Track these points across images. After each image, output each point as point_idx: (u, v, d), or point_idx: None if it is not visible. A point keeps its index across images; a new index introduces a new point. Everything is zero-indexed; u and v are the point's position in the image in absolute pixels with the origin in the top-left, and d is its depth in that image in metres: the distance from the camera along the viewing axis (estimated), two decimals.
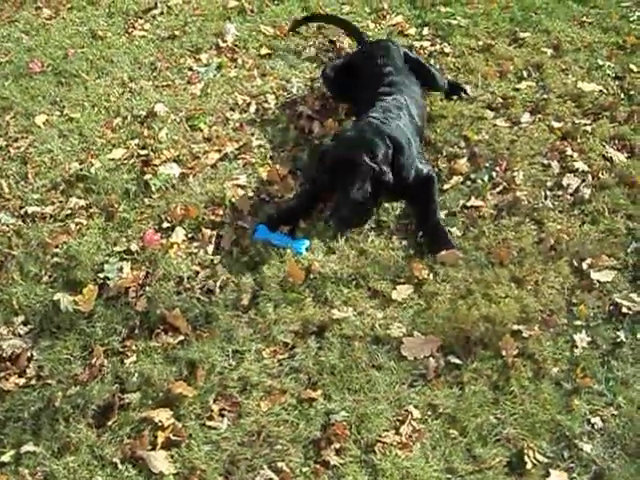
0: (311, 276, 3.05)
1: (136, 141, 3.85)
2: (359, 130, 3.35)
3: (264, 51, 4.52)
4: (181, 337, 2.85)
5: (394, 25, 4.66)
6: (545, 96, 3.95)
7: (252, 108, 4.06)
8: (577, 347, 2.73)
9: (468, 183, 3.46)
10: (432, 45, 4.43)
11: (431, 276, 3.03)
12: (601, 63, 4.18)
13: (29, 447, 2.56)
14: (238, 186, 3.51)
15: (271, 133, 3.86)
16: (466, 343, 2.77)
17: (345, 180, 3.15)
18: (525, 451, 2.43)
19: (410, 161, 3.33)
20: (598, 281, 2.95)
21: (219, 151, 3.75)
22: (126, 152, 3.77)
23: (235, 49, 4.57)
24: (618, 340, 2.75)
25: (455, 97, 3.98)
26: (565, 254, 3.07)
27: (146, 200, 3.49)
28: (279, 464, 2.44)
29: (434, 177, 3.38)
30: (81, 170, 3.69)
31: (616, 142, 3.64)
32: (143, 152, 3.75)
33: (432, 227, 3.19)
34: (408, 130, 3.44)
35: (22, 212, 3.49)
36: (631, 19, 4.55)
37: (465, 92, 4.00)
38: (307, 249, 3.17)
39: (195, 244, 3.23)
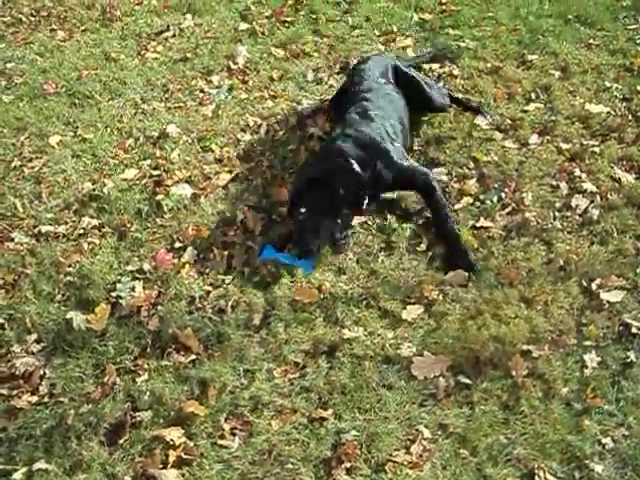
0: (322, 296, 3.07)
1: (148, 162, 3.90)
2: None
3: (275, 73, 4.57)
4: (193, 356, 2.87)
5: (404, 48, 4.71)
6: (553, 118, 3.99)
7: (263, 129, 4.10)
8: (587, 367, 2.73)
9: (477, 204, 3.49)
10: (441, 67, 4.47)
11: (441, 296, 3.05)
12: (608, 85, 4.22)
13: (41, 465, 2.57)
14: (249, 207, 3.54)
15: (282, 154, 3.89)
16: (476, 363, 2.78)
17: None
18: (536, 471, 2.43)
19: (385, 159, 3.41)
20: (607, 301, 2.96)
21: (230, 172, 3.80)
22: (138, 173, 3.82)
23: (246, 71, 4.63)
24: (628, 360, 2.75)
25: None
26: (574, 274, 3.08)
27: (158, 220, 3.52)
28: None
29: (429, 178, 3.41)
30: (94, 190, 3.73)
31: (624, 163, 3.66)
32: (155, 173, 3.80)
33: (450, 240, 3.23)
34: (379, 132, 3.50)
35: (36, 231, 3.52)
36: (638, 42, 4.59)
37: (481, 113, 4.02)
38: (313, 267, 3.20)
39: (207, 264, 3.26)
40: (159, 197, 3.63)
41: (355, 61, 4.41)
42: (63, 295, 3.19)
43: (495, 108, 4.08)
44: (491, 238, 3.29)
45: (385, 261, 3.22)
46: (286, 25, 5.07)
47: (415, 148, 3.84)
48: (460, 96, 4.17)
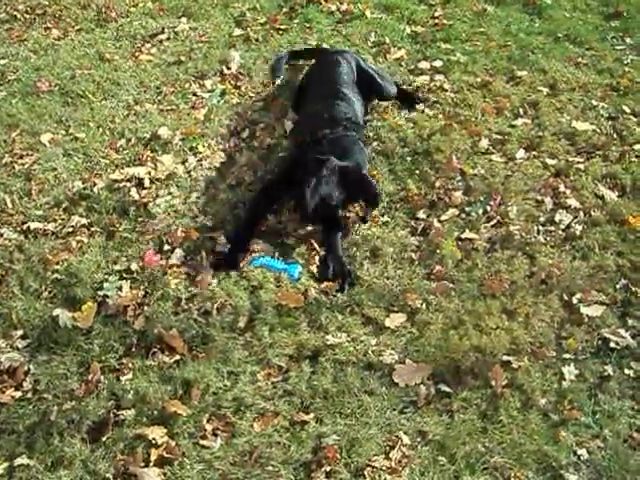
0: (306, 301, 3.10)
1: (139, 163, 3.91)
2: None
3: (267, 80, 4.60)
4: (177, 357, 2.89)
5: (396, 59, 4.76)
6: (540, 134, 4.05)
7: (255, 135, 4.12)
8: (565, 379, 2.78)
9: (463, 216, 3.54)
10: (431, 80, 4.53)
11: (424, 305, 3.09)
12: (595, 103, 4.29)
13: (23, 460, 2.58)
14: (237, 211, 3.57)
15: (273, 160, 3.92)
16: (456, 372, 2.82)
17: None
18: None
19: None
20: (587, 315, 3.02)
21: (219, 177, 3.82)
22: (129, 173, 3.82)
23: (239, 76, 4.66)
24: (605, 374, 2.80)
25: (408, 110, 4.29)
26: (556, 288, 3.14)
27: (147, 221, 3.54)
28: None
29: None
30: (84, 189, 3.74)
31: (608, 181, 3.73)
32: (146, 174, 3.80)
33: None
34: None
35: (24, 228, 3.52)
36: (625, 62, 4.68)
37: (416, 103, 4.31)
38: (300, 273, 3.23)
39: (194, 266, 3.27)
40: (148, 199, 3.65)
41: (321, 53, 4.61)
42: (50, 292, 3.20)
43: (483, 122, 4.14)
44: (475, 250, 3.34)
45: (370, 269, 3.26)
46: (280, 32, 5.11)
47: (407, 159, 3.89)
48: (405, 87, 4.46)
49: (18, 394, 2.80)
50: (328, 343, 2.92)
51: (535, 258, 3.29)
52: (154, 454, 2.56)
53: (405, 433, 2.62)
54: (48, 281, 3.24)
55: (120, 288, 3.17)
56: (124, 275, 3.25)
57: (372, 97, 4.24)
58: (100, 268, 3.30)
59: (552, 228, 3.46)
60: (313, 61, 4.54)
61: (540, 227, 3.46)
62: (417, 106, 4.30)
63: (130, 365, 2.87)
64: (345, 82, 4.04)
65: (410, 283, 3.19)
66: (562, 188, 3.65)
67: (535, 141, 4.00)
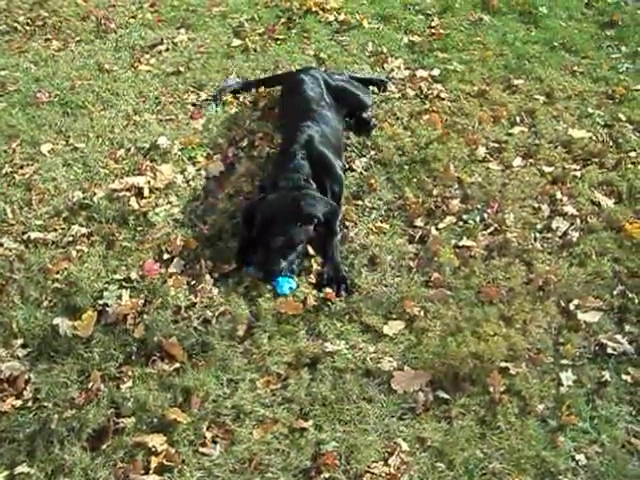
0: (305, 309, 3.12)
1: (138, 172, 3.94)
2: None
3: (265, 90, 4.62)
4: (177, 365, 2.91)
5: (393, 70, 4.78)
6: (537, 141, 4.08)
7: (254, 144, 4.14)
8: (563, 385, 2.80)
9: (460, 223, 3.56)
10: (429, 89, 4.56)
11: (422, 313, 3.11)
12: (591, 111, 4.32)
13: (23, 468, 2.59)
14: (237, 222, 3.58)
15: (268, 169, 3.93)
16: (455, 379, 2.83)
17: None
18: None
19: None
20: (584, 322, 3.03)
21: (218, 186, 3.84)
22: (128, 183, 3.84)
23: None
24: (603, 380, 2.82)
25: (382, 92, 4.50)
26: (553, 295, 3.16)
27: (146, 230, 3.56)
28: None
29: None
30: (84, 199, 3.76)
31: (604, 188, 3.75)
32: (145, 183, 3.83)
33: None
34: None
35: (25, 237, 3.54)
36: (620, 70, 4.71)
37: (385, 86, 4.53)
38: (291, 289, 3.21)
39: (193, 275, 3.29)
40: (148, 208, 3.67)
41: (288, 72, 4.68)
42: (50, 301, 3.22)
43: (480, 130, 4.17)
44: (473, 257, 3.36)
45: (368, 277, 3.28)
46: (278, 42, 5.14)
47: (405, 168, 3.91)
48: (359, 75, 4.61)
49: (18, 403, 2.82)
50: (327, 350, 2.94)
51: (532, 265, 3.31)
52: (154, 462, 2.57)
53: (404, 440, 2.64)
54: (48, 290, 3.26)
55: (120, 297, 3.19)
56: (124, 284, 3.27)
57: (350, 109, 4.24)
58: (100, 277, 3.31)
59: (549, 235, 3.48)
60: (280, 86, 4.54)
61: (537, 234, 3.48)
62: (387, 87, 4.55)
63: (130, 373, 2.89)
64: (312, 99, 4.02)
65: (408, 290, 3.21)
66: (559, 195, 3.68)
67: (532, 149, 4.02)
